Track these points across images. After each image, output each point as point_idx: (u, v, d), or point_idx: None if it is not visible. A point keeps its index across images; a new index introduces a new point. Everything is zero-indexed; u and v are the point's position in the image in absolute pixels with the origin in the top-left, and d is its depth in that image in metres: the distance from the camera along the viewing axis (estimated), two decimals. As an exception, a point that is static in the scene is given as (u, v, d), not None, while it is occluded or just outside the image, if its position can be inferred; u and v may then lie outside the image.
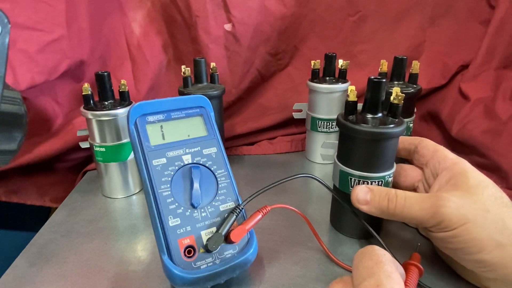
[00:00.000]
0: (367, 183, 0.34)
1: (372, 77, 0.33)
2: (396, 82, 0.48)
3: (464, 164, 0.31)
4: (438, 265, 0.33)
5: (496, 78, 0.53)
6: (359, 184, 0.34)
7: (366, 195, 0.32)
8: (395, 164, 0.35)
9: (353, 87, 0.34)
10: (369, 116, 0.34)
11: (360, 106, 0.35)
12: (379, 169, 0.33)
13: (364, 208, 0.32)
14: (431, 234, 0.30)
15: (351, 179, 0.34)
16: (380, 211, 0.31)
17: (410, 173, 0.36)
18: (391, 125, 0.32)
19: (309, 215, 0.34)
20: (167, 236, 0.27)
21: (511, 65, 0.53)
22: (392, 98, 0.33)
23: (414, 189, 0.36)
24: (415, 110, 0.50)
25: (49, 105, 0.52)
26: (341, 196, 0.36)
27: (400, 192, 0.31)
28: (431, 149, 0.34)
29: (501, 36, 0.53)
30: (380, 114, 0.34)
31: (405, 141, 0.36)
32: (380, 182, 0.34)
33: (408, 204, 0.30)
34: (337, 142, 0.36)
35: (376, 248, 0.23)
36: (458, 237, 0.27)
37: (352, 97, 0.34)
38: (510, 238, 0.26)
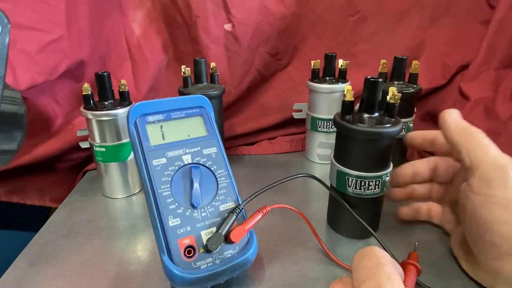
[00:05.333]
0: (364, 183, 0.34)
1: (369, 76, 0.33)
2: (396, 82, 0.48)
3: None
4: (437, 264, 0.33)
5: (496, 78, 0.53)
6: (356, 183, 0.34)
7: (458, 116, 0.32)
8: (391, 164, 0.35)
9: (349, 87, 0.34)
10: (366, 115, 0.34)
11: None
12: (375, 169, 0.33)
13: (450, 120, 0.31)
14: (474, 183, 0.29)
15: (348, 178, 0.34)
16: (459, 132, 0.31)
17: (453, 166, 0.35)
18: (388, 125, 0.32)
19: (309, 215, 0.34)
20: (167, 236, 0.27)
21: (511, 65, 0.53)
22: (388, 97, 0.33)
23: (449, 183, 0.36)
24: (415, 110, 0.50)
25: (49, 105, 0.52)
26: (338, 196, 0.36)
27: (487, 137, 0.30)
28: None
29: (501, 36, 0.53)
30: (376, 114, 0.34)
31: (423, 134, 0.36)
32: (377, 181, 0.34)
33: (490, 148, 0.29)
34: (334, 142, 0.36)
35: (376, 249, 0.23)
36: (495, 206, 0.27)
37: (349, 97, 0.34)
38: None
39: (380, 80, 0.33)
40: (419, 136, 0.37)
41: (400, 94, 0.32)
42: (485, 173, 0.28)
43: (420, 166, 0.38)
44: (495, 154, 0.28)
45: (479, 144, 0.29)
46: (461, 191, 0.30)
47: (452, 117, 0.32)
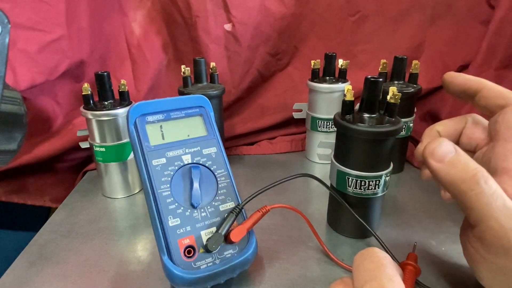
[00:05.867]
0: (364, 183, 0.34)
1: (369, 76, 0.33)
2: (396, 82, 0.48)
3: None
4: (437, 264, 0.33)
5: (496, 78, 0.53)
6: (356, 183, 0.34)
7: (448, 153, 0.25)
8: (391, 164, 0.35)
9: (350, 87, 0.34)
10: (366, 115, 0.34)
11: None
12: (376, 169, 0.33)
13: (434, 165, 0.25)
14: (472, 240, 0.25)
15: (348, 178, 0.34)
16: (450, 182, 0.25)
17: (479, 135, 0.29)
18: (388, 124, 0.32)
19: (309, 215, 0.34)
20: (167, 236, 0.27)
21: (511, 65, 0.53)
22: (388, 97, 0.33)
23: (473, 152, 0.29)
24: (415, 110, 0.50)
25: (49, 105, 0.52)
26: (338, 195, 0.36)
27: (492, 181, 0.23)
28: (511, 131, 0.25)
29: (501, 36, 0.53)
30: (377, 114, 0.34)
31: (492, 97, 0.28)
32: (377, 181, 0.34)
33: (491, 201, 0.23)
34: (334, 141, 0.36)
35: (377, 250, 0.22)
36: (496, 274, 0.25)
37: (349, 97, 0.34)
38: None
39: (380, 79, 0.33)
40: (461, 80, 0.29)
41: (400, 94, 0.32)
42: (485, 236, 0.24)
43: (446, 129, 0.32)
44: (498, 215, 0.23)
45: (479, 198, 0.23)
46: (461, 232, 0.27)
47: (437, 158, 0.25)
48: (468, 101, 0.30)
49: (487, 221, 0.23)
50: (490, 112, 0.28)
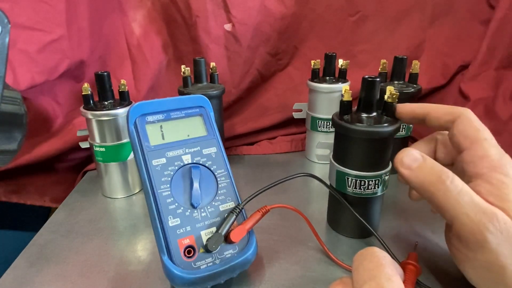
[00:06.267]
0: (364, 182, 0.34)
1: (366, 76, 0.33)
2: (396, 82, 0.48)
3: (504, 177, 0.25)
4: (437, 264, 0.33)
5: (496, 78, 0.53)
6: (356, 183, 0.34)
7: (415, 161, 0.27)
8: (390, 163, 0.35)
9: (347, 87, 0.34)
10: (364, 115, 0.34)
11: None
12: (375, 168, 0.33)
13: (404, 172, 0.28)
14: (452, 239, 0.27)
15: (347, 178, 0.34)
16: (420, 186, 0.27)
17: (451, 149, 0.30)
18: (386, 124, 0.32)
19: (309, 215, 0.34)
20: (167, 236, 0.27)
21: (511, 65, 0.53)
22: (386, 96, 0.33)
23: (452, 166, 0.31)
24: (415, 110, 0.50)
25: (49, 105, 0.52)
26: (339, 195, 0.36)
27: (457, 179, 0.25)
28: (470, 136, 0.27)
29: (501, 36, 0.53)
30: (375, 113, 0.34)
31: (440, 116, 0.30)
32: (377, 181, 0.34)
33: (458, 199, 0.25)
34: (332, 142, 0.36)
35: (376, 250, 0.22)
36: (475, 268, 0.25)
37: (347, 97, 0.34)
38: None
39: (378, 79, 0.33)
40: (408, 109, 0.32)
41: (397, 93, 0.32)
42: (460, 233, 0.25)
43: (420, 149, 0.33)
44: (467, 210, 0.24)
45: (447, 197, 0.25)
46: (445, 235, 0.29)
47: (405, 166, 0.28)
48: (420, 125, 0.32)
49: (458, 218, 0.25)
50: (445, 129, 0.30)
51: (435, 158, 0.33)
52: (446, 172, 0.26)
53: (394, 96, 0.32)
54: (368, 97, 0.33)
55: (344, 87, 0.34)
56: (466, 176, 0.27)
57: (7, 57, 0.26)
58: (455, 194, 0.25)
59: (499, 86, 0.52)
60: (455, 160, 0.31)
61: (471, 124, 0.28)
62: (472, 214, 0.24)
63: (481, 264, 0.25)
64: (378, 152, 0.33)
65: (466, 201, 0.24)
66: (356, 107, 0.35)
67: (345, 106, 0.34)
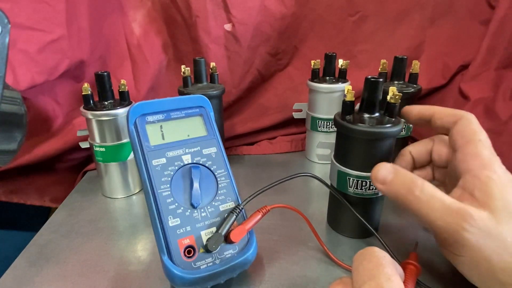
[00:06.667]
0: (365, 183, 0.34)
1: (369, 76, 0.33)
2: (396, 82, 0.48)
3: (493, 173, 0.26)
4: (438, 264, 0.33)
5: (496, 78, 0.53)
6: (357, 183, 0.34)
7: (388, 175, 0.29)
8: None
9: (350, 87, 0.34)
10: (366, 115, 0.34)
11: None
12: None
13: (380, 187, 0.29)
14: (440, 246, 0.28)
15: (349, 179, 0.34)
16: (396, 198, 0.28)
17: (446, 151, 0.32)
18: (388, 125, 0.32)
19: (309, 215, 0.34)
20: (167, 236, 0.27)
21: (511, 65, 0.53)
22: (389, 97, 0.33)
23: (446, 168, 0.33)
24: (415, 110, 0.50)
25: (49, 105, 0.52)
26: (339, 195, 0.36)
27: (428, 186, 0.27)
28: (466, 136, 0.28)
29: (501, 36, 0.53)
30: (377, 114, 0.34)
31: (444, 117, 0.31)
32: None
33: (430, 205, 0.26)
34: (333, 142, 0.36)
35: (376, 249, 0.23)
36: (464, 265, 0.26)
37: (350, 97, 0.34)
38: None
39: (381, 80, 0.33)
40: (415, 111, 0.33)
41: (400, 94, 0.32)
42: (440, 236, 0.27)
43: (417, 150, 0.35)
44: (440, 215, 0.25)
45: (420, 206, 0.26)
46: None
47: (380, 181, 0.29)
48: (425, 126, 0.33)
49: (434, 223, 0.26)
50: (446, 130, 0.31)
51: (431, 159, 0.34)
52: (415, 181, 0.27)
53: (396, 97, 0.32)
54: (370, 98, 0.33)
55: (346, 87, 0.34)
56: (457, 173, 0.28)
57: (7, 57, 0.26)
58: (426, 202, 0.26)
59: (499, 86, 0.52)
60: (449, 161, 0.32)
61: (470, 126, 0.29)
62: (445, 217, 0.25)
63: (469, 261, 0.26)
64: (380, 152, 0.33)
65: (437, 207, 0.26)
66: (358, 107, 0.35)
67: (347, 106, 0.34)
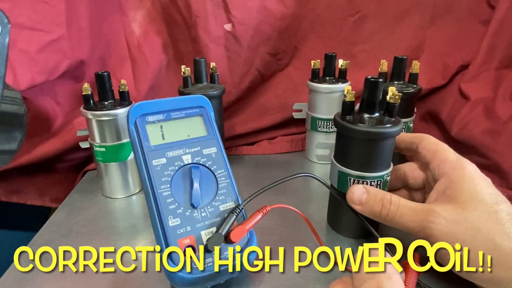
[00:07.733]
0: (366, 183, 0.34)
1: (369, 76, 0.33)
2: (396, 82, 0.48)
3: (462, 171, 0.30)
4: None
5: (496, 78, 0.53)
6: (357, 183, 0.34)
7: (362, 196, 0.32)
8: (392, 164, 0.35)
9: (350, 87, 0.34)
10: (366, 115, 0.34)
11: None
12: (377, 169, 0.33)
13: (358, 208, 0.33)
14: None
15: (349, 179, 0.34)
16: (373, 215, 0.32)
17: (418, 173, 0.35)
18: (388, 125, 0.32)
19: (309, 215, 0.34)
20: (167, 236, 0.27)
21: (511, 65, 0.53)
22: (388, 97, 0.33)
23: (424, 189, 0.35)
24: (415, 110, 0.50)
25: (49, 105, 0.52)
26: (339, 195, 0.36)
27: (395, 198, 0.31)
28: (432, 149, 0.33)
29: (501, 36, 0.53)
30: (377, 114, 0.34)
31: (406, 140, 0.36)
32: (379, 181, 0.34)
33: (399, 213, 0.30)
34: (332, 142, 0.36)
35: (376, 250, 0.23)
36: (445, 255, 0.27)
37: (350, 97, 0.34)
38: (500, 259, 0.25)
39: (381, 80, 0.33)
40: (404, 139, 0.36)
41: (400, 94, 0.32)
42: (416, 236, 0.29)
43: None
44: (411, 220, 0.29)
45: (392, 219, 0.30)
46: None
47: (356, 202, 0.33)
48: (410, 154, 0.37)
49: (408, 226, 0.30)
50: (413, 152, 0.36)
51: (407, 183, 0.37)
52: (384, 197, 0.31)
53: (396, 97, 0.32)
54: (370, 98, 0.33)
55: (346, 87, 0.34)
56: (434, 179, 0.32)
57: (7, 57, 0.26)
58: (396, 211, 0.30)
59: (499, 86, 0.52)
60: (424, 177, 0.35)
61: (431, 141, 0.34)
62: (414, 218, 0.29)
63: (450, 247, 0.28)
64: (380, 152, 0.33)
65: (406, 212, 0.30)
66: (358, 108, 0.35)
67: (347, 106, 0.34)
